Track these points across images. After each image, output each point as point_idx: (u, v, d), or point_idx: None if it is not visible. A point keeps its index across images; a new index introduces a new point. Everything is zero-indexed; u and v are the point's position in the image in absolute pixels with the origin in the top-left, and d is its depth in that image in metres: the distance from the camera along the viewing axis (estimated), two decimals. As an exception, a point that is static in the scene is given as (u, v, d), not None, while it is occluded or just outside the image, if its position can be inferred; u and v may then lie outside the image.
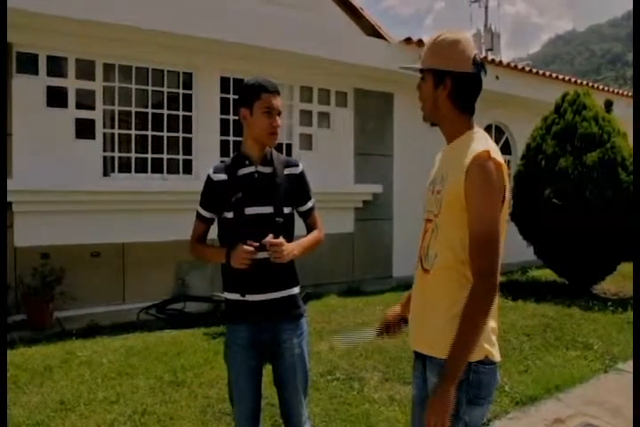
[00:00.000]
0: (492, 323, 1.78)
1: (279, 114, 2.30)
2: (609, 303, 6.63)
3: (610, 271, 7.43)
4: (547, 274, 8.26)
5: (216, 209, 2.36)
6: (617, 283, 7.76)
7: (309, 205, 2.48)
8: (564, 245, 7.03)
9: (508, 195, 1.76)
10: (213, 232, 2.44)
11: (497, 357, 1.79)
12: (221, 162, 2.45)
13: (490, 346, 1.77)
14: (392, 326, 2.15)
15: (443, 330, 1.74)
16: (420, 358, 1.92)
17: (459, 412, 1.72)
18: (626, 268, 7.48)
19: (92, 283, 6.03)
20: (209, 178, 2.36)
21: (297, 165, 2.43)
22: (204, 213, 2.40)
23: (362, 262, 8.20)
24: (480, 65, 1.81)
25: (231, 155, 6.94)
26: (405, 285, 7.59)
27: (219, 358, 4.47)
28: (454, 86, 1.81)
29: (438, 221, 1.80)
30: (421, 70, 1.87)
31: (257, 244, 2.18)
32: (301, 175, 2.43)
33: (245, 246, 2.17)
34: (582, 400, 3.92)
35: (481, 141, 1.77)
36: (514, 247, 8.07)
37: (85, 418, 3.45)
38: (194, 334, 5.26)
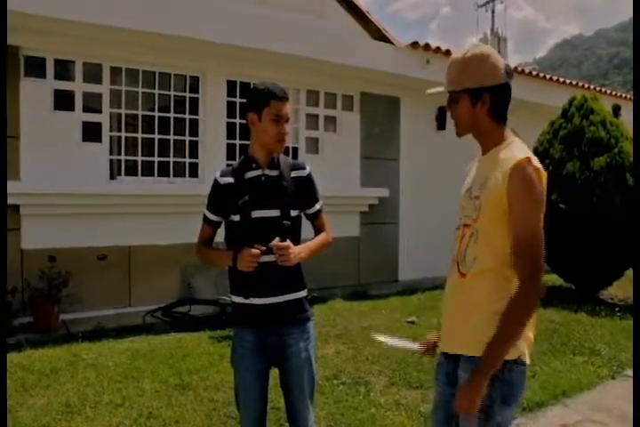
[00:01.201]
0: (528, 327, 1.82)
1: (287, 120, 2.30)
2: (616, 309, 6.59)
3: (617, 277, 7.38)
4: (553, 279, 8.20)
5: (223, 212, 2.36)
6: (624, 288, 7.71)
7: (317, 207, 2.47)
8: (570, 250, 6.99)
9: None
10: (220, 236, 2.44)
11: (528, 359, 1.86)
12: (228, 165, 2.45)
13: (525, 347, 1.83)
14: (432, 348, 2.18)
15: (480, 328, 1.78)
16: (451, 359, 1.95)
17: (492, 410, 1.77)
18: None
19: (99, 286, 6.04)
20: (216, 181, 2.36)
21: (304, 168, 2.43)
22: (210, 216, 2.40)
23: (367, 266, 8.18)
24: (509, 72, 1.87)
25: (237, 158, 6.91)
26: (411, 289, 7.60)
27: (224, 361, 4.47)
28: (493, 101, 1.85)
29: (477, 225, 1.85)
30: (455, 91, 1.88)
31: (264, 247, 2.18)
32: (308, 178, 2.43)
33: (252, 250, 2.17)
34: (589, 406, 3.89)
35: (520, 149, 1.83)
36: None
37: (91, 421, 3.46)
38: (199, 337, 5.26)
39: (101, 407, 3.65)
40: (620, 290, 7.71)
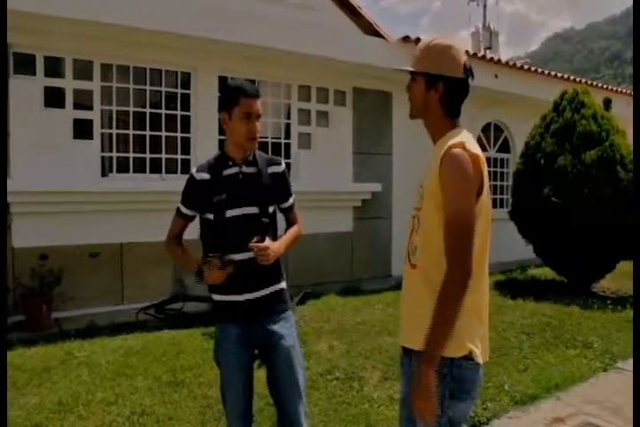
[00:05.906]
0: (474, 323, 1.81)
1: (258, 117, 2.32)
2: (608, 302, 6.62)
3: (609, 269, 7.42)
4: (546, 272, 8.25)
5: (197, 207, 2.39)
6: (616, 281, 7.75)
7: (291, 201, 2.53)
8: (563, 243, 7.02)
9: (486, 186, 1.81)
10: (194, 233, 2.48)
11: (479, 357, 1.81)
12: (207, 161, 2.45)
13: (472, 345, 1.79)
14: None
15: (425, 321, 1.72)
16: (408, 354, 1.91)
17: (442, 406, 1.74)
18: (625, 266, 7.47)
19: (91, 283, 6.02)
20: (192, 176, 2.40)
21: (280, 164, 2.47)
22: (184, 210, 2.45)
23: (361, 261, 8.19)
24: (470, 71, 1.88)
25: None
26: (405, 284, 7.59)
27: (218, 358, 4.47)
28: (446, 91, 1.88)
29: (420, 214, 1.87)
30: (413, 72, 1.93)
31: (231, 262, 2.25)
32: (284, 173, 2.48)
33: (216, 262, 2.22)
34: (582, 399, 3.91)
35: (459, 137, 1.84)
36: (513, 246, 8.09)
37: (84, 419, 3.45)
38: (192, 333, 5.25)
39: (94, 405, 3.64)
40: (612, 283, 7.75)
